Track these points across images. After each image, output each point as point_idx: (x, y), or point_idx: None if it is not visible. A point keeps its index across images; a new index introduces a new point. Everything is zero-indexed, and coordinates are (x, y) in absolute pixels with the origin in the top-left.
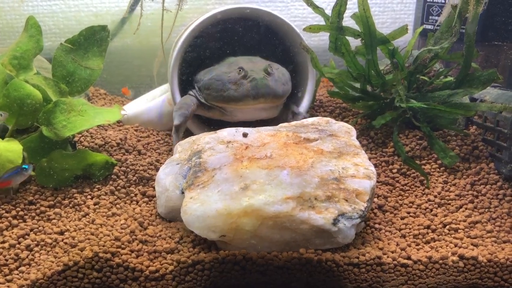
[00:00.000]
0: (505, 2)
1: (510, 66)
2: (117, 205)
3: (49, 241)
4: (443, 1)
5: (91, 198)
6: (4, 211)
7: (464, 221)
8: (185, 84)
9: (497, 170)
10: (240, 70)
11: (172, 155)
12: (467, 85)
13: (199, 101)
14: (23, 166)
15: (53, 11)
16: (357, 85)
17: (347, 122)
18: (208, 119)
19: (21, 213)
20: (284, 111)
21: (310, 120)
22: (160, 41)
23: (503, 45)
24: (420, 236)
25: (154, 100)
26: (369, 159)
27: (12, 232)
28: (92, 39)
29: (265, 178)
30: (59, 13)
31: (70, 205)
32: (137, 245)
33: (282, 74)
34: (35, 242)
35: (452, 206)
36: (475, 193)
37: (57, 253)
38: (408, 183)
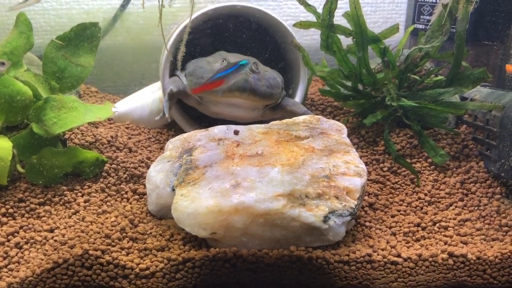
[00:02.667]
0: (495, 2)
1: (500, 66)
2: (108, 203)
3: (39, 238)
4: (434, 1)
5: (82, 196)
6: None
7: (454, 219)
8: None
9: (486, 168)
10: (223, 61)
11: (163, 152)
12: (457, 84)
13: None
14: (241, 62)
15: (44, 8)
16: (349, 83)
17: (338, 120)
18: (199, 117)
19: (10, 210)
20: (279, 113)
21: (302, 118)
22: (151, 39)
23: (493, 44)
24: (410, 234)
25: (145, 98)
26: (360, 157)
27: (1, 230)
28: (83, 35)
29: (256, 176)
30: (50, 10)
31: (60, 202)
32: (128, 243)
33: (272, 77)
34: (25, 240)
35: (442, 204)
36: (465, 191)
37: (46, 250)
38: (398, 181)
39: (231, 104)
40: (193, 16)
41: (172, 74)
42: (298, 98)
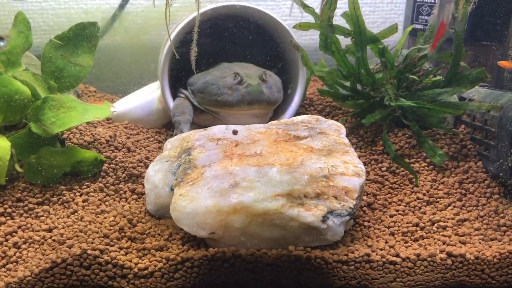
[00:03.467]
0: (493, 3)
1: (498, 66)
2: (106, 202)
3: (37, 238)
4: (432, 1)
5: (80, 195)
6: None
7: (452, 219)
8: (175, 82)
9: (485, 168)
10: (236, 76)
11: (162, 152)
12: (455, 84)
13: (192, 104)
14: None
15: (42, 8)
16: (347, 83)
17: (337, 120)
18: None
19: (8, 210)
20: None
21: (300, 118)
22: (150, 39)
23: (491, 45)
24: (409, 234)
25: (144, 97)
26: (359, 157)
27: (0, 230)
28: (82, 35)
29: (255, 175)
30: (49, 10)
31: (59, 202)
32: (126, 242)
33: (276, 81)
34: (23, 240)
35: (441, 204)
36: (463, 191)
37: (45, 250)
38: (397, 181)
39: (249, 115)
40: (192, 16)
41: (171, 74)
42: (297, 98)
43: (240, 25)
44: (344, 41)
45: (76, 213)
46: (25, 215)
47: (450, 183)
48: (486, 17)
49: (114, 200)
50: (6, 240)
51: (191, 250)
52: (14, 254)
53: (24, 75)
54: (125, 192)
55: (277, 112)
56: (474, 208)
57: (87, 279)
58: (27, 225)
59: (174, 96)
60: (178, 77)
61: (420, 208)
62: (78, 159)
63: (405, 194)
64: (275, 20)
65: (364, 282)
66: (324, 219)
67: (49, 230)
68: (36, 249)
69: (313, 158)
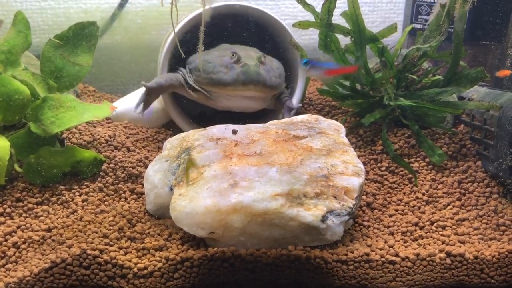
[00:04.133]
0: (492, 2)
1: (497, 65)
2: (106, 202)
3: (37, 238)
4: (432, 1)
5: (79, 195)
6: None
7: (452, 218)
8: None
9: (484, 168)
10: (233, 55)
11: (161, 152)
12: (455, 83)
13: (187, 82)
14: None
15: (41, 7)
16: (347, 83)
17: (336, 120)
18: (198, 116)
19: (8, 210)
20: (278, 105)
21: (300, 117)
22: (149, 38)
23: (491, 44)
24: (408, 233)
25: None
26: (358, 157)
27: None
28: (81, 34)
29: (255, 175)
30: (48, 9)
31: (58, 202)
32: (126, 242)
33: (276, 67)
34: (22, 240)
35: (440, 203)
36: (462, 190)
37: (44, 250)
38: (396, 180)
39: (243, 97)
40: (192, 15)
41: (171, 71)
42: (296, 97)
43: (239, 24)
44: (344, 40)
45: (75, 213)
46: (24, 215)
47: (449, 182)
48: (485, 17)
49: (114, 200)
50: (6, 240)
51: (191, 250)
52: (14, 254)
53: (24, 74)
54: (124, 192)
55: (276, 112)
56: (473, 207)
57: (87, 279)
58: (27, 225)
59: (174, 95)
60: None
61: (419, 207)
62: (78, 159)
63: (404, 193)
64: (274, 20)
65: (363, 281)
66: (324, 218)
67: (49, 230)
68: (35, 249)
69: (313, 157)
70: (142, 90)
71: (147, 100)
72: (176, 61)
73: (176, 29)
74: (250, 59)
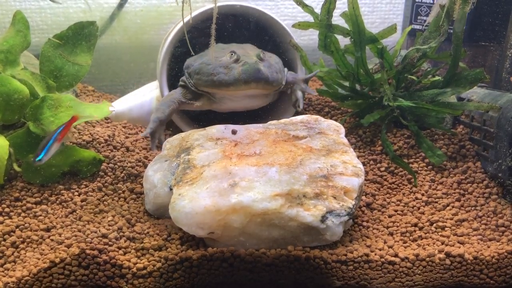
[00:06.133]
0: (492, 3)
1: (497, 67)
2: (105, 202)
3: (35, 238)
4: (431, 2)
5: (78, 195)
6: None
7: (451, 219)
8: (174, 81)
9: (483, 169)
10: (232, 54)
11: (160, 151)
12: (454, 84)
13: (188, 90)
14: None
15: (41, 7)
16: (346, 83)
17: (335, 120)
18: (197, 115)
19: (6, 209)
20: (284, 97)
21: (299, 117)
22: (149, 38)
23: (490, 45)
24: (408, 234)
25: (143, 97)
26: (358, 157)
27: None
28: (81, 33)
29: (254, 175)
30: (47, 9)
31: (57, 201)
32: (125, 242)
33: (276, 62)
34: (21, 239)
35: (439, 204)
36: (461, 191)
37: (43, 250)
38: (395, 181)
39: (246, 95)
40: (192, 15)
41: (170, 74)
42: None
43: (239, 24)
44: (343, 41)
45: (74, 213)
46: (23, 214)
47: (449, 183)
48: (485, 18)
49: (113, 200)
50: (4, 240)
51: (190, 250)
52: (12, 254)
53: (23, 74)
54: (123, 192)
55: (277, 112)
56: (473, 208)
57: (86, 279)
58: (25, 225)
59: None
60: (177, 76)
61: (418, 208)
62: (77, 158)
63: (403, 194)
64: (274, 20)
65: (363, 282)
66: (323, 219)
67: (47, 230)
68: (34, 248)
69: (312, 158)
70: (141, 89)
71: (153, 138)
72: (176, 61)
73: (176, 29)
74: (249, 57)
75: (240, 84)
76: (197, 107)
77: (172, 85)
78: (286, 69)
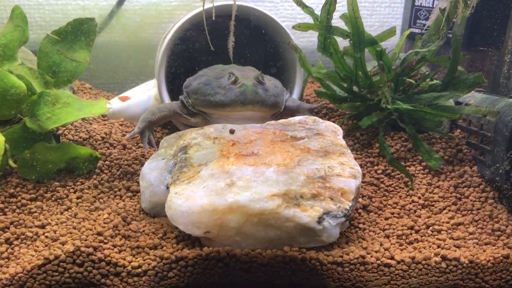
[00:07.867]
0: (490, 8)
1: (494, 71)
2: (101, 200)
3: (30, 234)
4: (430, 6)
5: (74, 192)
6: None
7: (447, 222)
8: (172, 80)
9: (480, 173)
10: (230, 75)
11: (157, 150)
12: (452, 88)
13: (186, 107)
14: None
15: (39, 3)
16: (345, 85)
17: (333, 122)
18: None
19: (1, 205)
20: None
21: (297, 118)
22: (147, 37)
23: (488, 50)
24: (404, 237)
25: (140, 95)
26: (355, 159)
27: None
28: (80, 29)
29: (251, 175)
30: (46, 5)
31: (52, 198)
32: (120, 240)
33: (275, 86)
34: (15, 236)
35: (436, 207)
36: (458, 195)
37: (37, 247)
38: (392, 184)
39: (243, 117)
40: (191, 15)
41: (168, 72)
42: (295, 96)
43: (239, 24)
44: (342, 44)
45: (69, 210)
46: (17, 210)
47: (445, 187)
48: (483, 23)
49: (109, 198)
50: None
51: (186, 249)
52: (6, 250)
53: (20, 69)
54: (119, 190)
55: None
56: (469, 212)
57: (80, 277)
58: (20, 221)
59: (171, 94)
60: (175, 75)
61: (415, 211)
62: (73, 155)
63: (400, 197)
64: (274, 21)
65: (358, 284)
66: (320, 220)
67: (42, 227)
68: (28, 245)
69: (310, 159)
70: (139, 87)
71: (143, 137)
72: (174, 59)
73: (176, 27)
74: (248, 79)
75: (236, 105)
76: (191, 123)
77: (170, 84)
78: (287, 94)
